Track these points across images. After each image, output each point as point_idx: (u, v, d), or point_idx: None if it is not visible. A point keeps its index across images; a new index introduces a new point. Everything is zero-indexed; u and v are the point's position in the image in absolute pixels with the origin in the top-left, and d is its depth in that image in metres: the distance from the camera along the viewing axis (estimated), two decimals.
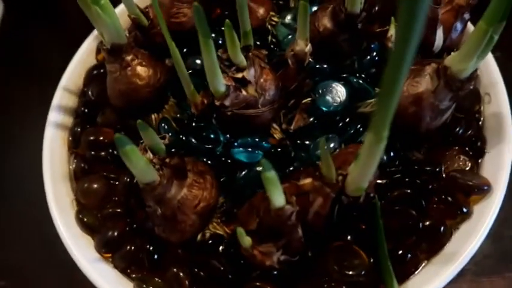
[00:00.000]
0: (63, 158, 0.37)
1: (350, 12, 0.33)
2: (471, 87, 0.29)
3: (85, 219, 0.33)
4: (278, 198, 0.24)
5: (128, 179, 0.34)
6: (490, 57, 0.35)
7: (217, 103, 0.31)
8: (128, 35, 0.34)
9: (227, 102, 0.31)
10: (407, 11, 0.15)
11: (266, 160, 0.22)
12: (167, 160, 0.29)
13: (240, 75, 0.31)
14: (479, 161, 0.33)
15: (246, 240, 0.25)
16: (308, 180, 0.28)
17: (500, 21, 0.25)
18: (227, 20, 0.28)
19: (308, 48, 0.32)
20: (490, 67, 0.35)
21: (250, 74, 0.31)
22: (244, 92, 0.31)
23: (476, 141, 0.33)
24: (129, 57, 0.34)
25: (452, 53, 0.29)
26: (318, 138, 0.34)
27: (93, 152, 0.36)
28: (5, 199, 0.45)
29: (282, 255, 0.26)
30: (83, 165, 0.37)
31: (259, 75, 0.32)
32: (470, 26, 0.37)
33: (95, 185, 0.34)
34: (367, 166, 0.23)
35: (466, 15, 0.35)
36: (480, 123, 0.34)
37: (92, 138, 0.36)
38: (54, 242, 0.35)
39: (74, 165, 0.37)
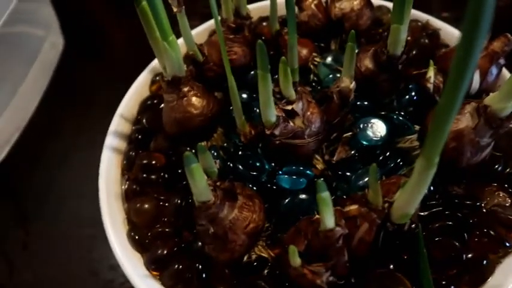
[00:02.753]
0: (117, 179, 0.40)
1: (392, 54, 0.36)
2: (510, 125, 0.30)
3: (136, 237, 0.35)
4: (329, 219, 0.26)
5: (179, 201, 0.36)
6: None
7: (267, 132, 0.33)
8: (186, 68, 0.37)
9: (277, 132, 0.33)
10: (465, 43, 0.17)
11: (322, 181, 0.24)
12: (218, 183, 0.31)
13: (289, 107, 0.33)
14: None
15: (297, 259, 0.27)
16: (354, 207, 0.30)
17: None
18: (283, 57, 0.31)
19: (353, 85, 0.35)
20: None
21: (298, 107, 0.34)
22: (292, 124, 0.34)
23: None
24: (186, 89, 0.37)
25: (491, 94, 0.31)
26: (359, 170, 0.36)
27: (145, 175, 0.39)
28: (54, 218, 0.48)
29: (330, 276, 0.27)
30: (134, 186, 0.39)
31: (306, 108, 0.34)
32: (505, 71, 0.39)
33: (146, 205, 0.37)
34: (416, 191, 0.24)
35: (501, 61, 0.37)
36: None
37: (145, 161, 0.39)
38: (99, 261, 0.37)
39: (126, 186, 0.39)
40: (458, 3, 0.60)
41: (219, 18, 0.43)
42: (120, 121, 0.43)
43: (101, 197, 0.37)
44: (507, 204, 0.33)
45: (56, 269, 0.43)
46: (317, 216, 0.30)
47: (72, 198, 0.47)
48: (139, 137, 0.42)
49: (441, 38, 0.44)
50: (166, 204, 0.37)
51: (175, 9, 0.34)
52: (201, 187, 0.28)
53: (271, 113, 0.32)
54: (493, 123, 0.30)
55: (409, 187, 0.25)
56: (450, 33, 0.44)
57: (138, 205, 0.37)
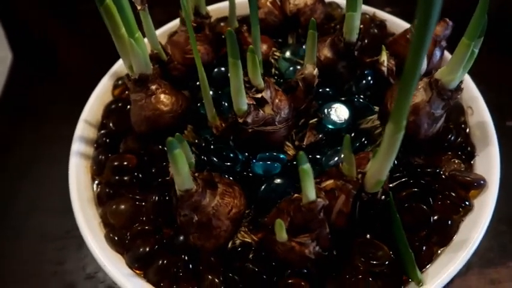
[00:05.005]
0: (87, 184, 0.39)
1: (348, 41, 0.38)
2: (459, 96, 0.34)
3: (115, 238, 0.35)
4: (311, 191, 0.27)
5: (156, 198, 0.36)
6: (467, 77, 0.41)
7: (240, 120, 0.34)
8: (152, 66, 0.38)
9: (249, 120, 0.34)
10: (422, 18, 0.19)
11: (303, 153, 0.26)
12: (197, 174, 0.32)
13: (259, 95, 0.34)
14: (472, 162, 0.37)
15: (284, 234, 0.28)
16: (330, 181, 0.31)
17: (479, 37, 0.30)
18: (250, 46, 0.32)
19: (316, 71, 0.37)
20: (468, 85, 0.40)
21: (267, 95, 0.35)
22: (262, 111, 0.35)
23: (466, 146, 0.38)
24: (154, 87, 0.37)
25: (439, 69, 0.34)
26: (328, 152, 0.38)
27: (117, 177, 0.38)
28: (18, 234, 0.45)
29: (316, 246, 0.28)
30: (107, 190, 0.38)
31: (274, 96, 0.36)
32: (446, 53, 0.43)
33: (123, 206, 0.36)
34: (387, 156, 0.26)
35: (443, 43, 0.41)
36: (467, 131, 0.39)
37: (116, 163, 0.38)
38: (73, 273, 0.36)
39: (98, 190, 0.39)
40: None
41: (179, 18, 0.44)
42: (85, 126, 0.42)
43: (73, 203, 0.36)
44: (462, 169, 0.36)
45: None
46: (296, 195, 0.31)
47: (35, 212, 0.45)
48: (107, 140, 0.42)
49: (388, 28, 0.48)
50: (143, 203, 0.37)
51: (139, 7, 0.35)
52: (183, 174, 0.28)
53: (243, 101, 0.33)
54: (444, 94, 0.33)
55: (381, 153, 0.27)
56: (395, 23, 0.48)
57: (114, 206, 0.36)
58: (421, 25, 0.20)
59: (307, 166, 0.26)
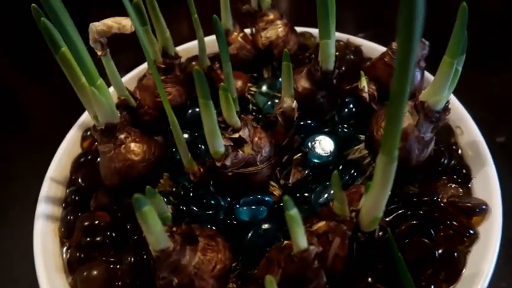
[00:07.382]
0: (56, 250, 0.35)
1: (325, 70, 0.36)
2: (447, 117, 0.32)
3: None
4: (302, 238, 0.24)
5: (132, 259, 0.32)
6: (452, 96, 0.39)
7: (218, 164, 0.31)
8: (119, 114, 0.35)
9: (228, 162, 0.32)
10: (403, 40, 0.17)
11: (289, 198, 0.23)
12: (174, 229, 0.29)
13: (236, 135, 0.32)
14: (469, 185, 0.35)
15: None
16: (322, 223, 0.28)
17: (461, 54, 0.29)
18: (222, 84, 0.30)
19: (295, 104, 0.35)
20: (454, 104, 0.39)
21: (245, 134, 0.32)
22: (241, 152, 0.32)
23: (461, 169, 0.36)
24: (122, 136, 0.35)
25: (423, 90, 0.32)
26: (316, 189, 0.35)
27: (88, 238, 0.34)
28: None
29: None
30: (78, 254, 0.34)
31: (253, 134, 0.33)
32: (427, 74, 0.42)
33: (95, 272, 0.32)
34: (382, 190, 0.24)
35: (422, 63, 0.40)
36: (459, 152, 0.37)
37: (87, 223, 0.35)
38: None
39: (67, 256, 0.35)
40: (369, 23, 0.65)
41: (147, 62, 0.42)
42: (52, 185, 0.39)
43: (38, 274, 0.32)
44: (461, 194, 0.34)
45: None
46: (286, 242, 0.28)
47: (3, 285, 0.41)
48: (77, 198, 0.38)
49: (364, 53, 0.47)
50: (118, 266, 0.33)
51: (99, 53, 0.32)
52: (156, 232, 0.25)
53: (219, 143, 0.31)
54: (432, 116, 0.31)
55: (375, 187, 0.24)
56: (371, 48, 0.47)
57: (85, 273, 0.32)
58: (403, 46, 0.18)
59: (294, 212, 0.23)
